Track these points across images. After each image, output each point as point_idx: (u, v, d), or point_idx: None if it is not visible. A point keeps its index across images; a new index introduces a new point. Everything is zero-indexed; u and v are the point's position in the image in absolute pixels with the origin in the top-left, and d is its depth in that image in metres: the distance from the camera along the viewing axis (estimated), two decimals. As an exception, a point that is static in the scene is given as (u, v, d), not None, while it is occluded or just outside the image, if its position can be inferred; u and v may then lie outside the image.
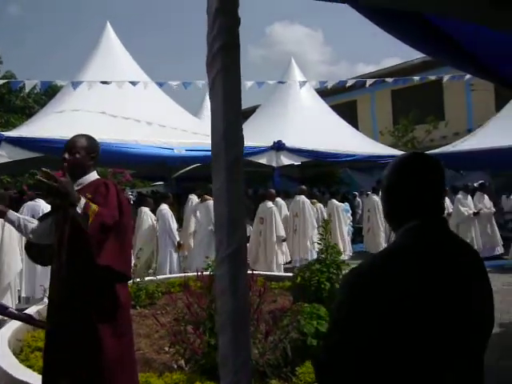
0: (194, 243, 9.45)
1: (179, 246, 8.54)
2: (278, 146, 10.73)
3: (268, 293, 6.00)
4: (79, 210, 2.43)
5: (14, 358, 3.81)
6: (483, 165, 12.41)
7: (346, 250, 11.07)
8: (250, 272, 4.01)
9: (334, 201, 11.17)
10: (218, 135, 1.10)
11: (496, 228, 10.78)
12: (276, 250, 9.17)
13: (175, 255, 8.55)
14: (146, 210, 9.02)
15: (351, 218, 12.15)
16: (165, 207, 8.49)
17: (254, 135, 11.73)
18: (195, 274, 4.83)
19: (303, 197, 9.94)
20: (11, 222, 2.84)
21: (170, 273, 8.08)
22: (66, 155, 2.73)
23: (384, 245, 11.51)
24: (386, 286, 1.17)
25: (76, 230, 2.55)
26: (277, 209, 9.50)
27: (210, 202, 8.38)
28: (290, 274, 6.29)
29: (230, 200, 1.08)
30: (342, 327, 1.20)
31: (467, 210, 10.34)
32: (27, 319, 2.62)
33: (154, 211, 8.91)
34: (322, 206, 10.80)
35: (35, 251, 2.95)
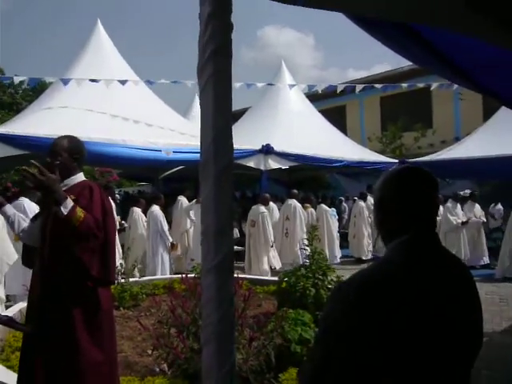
0: (191, 244, 9.47)
1: (172, 247, 8.51)
2: (267, 150, 10.72)
3: (253, 297, 6.01)
4: (64, 211, 2.40)
5: (-6, 358, 3.76)
6: (470, 173, 12.50)
7: (337, 254, 11.12)
8: (235, 276, 3.99)
9: (323, 206, 11.21)
10: (208, 142, 1.07)
11: (484, 237, 10.89)
12: (264, 255, 9.19)
13: (166, 256, 8.53)
14: (137, 210, 9.02)
15: (337, 223, 12.19)
16: (156, 208, 8.48)
17: (243, 138, 11.71)
18: (179, 276, 4.81)
19: (295, 201, 10.01)
20: (6, 216, 2.82)
21: (162, 274, 8.06)
22: (48, 159, 2.71)
23: (370, 250, 11.58)
24: (380, 303, 1.15)
25: (58, 230, 2.52)
26: (269, 214, 9.56)
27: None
28: (276, 279, 6.29)
29: (218, 209, 1.06)
30: (330, 342, 1.19)
31: (456, 218, 10.39)
32: (7, 322, 2.57)
33: (144, 212, 8.91)
34: (313, 210, 10.84)
35: (26, 256, 2.91)
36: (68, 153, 2.72)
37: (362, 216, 11.65)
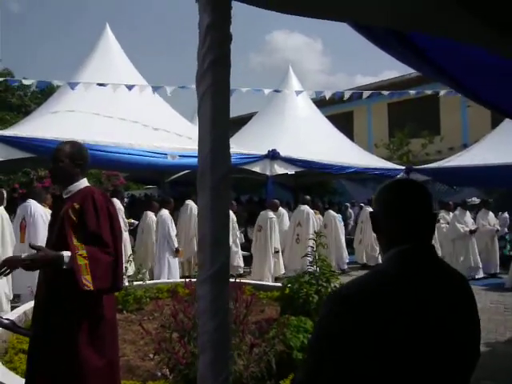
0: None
1: (177, 252, 8.53)
2: (273, 155, 10.71)
3: (256, 303, 6.00)
4: (66, 266, 2.45)
5: (-3, 359, 3.78)
6: (477, 181, 12.43)
7: (346, 260, 11.09)
8: (237, 281, 3.99)
9: (331, 211, 11.15)
10: (205, 152, 1.08)
11: (497, 246, 10.76)
12: (270, 260, 9.18)
13: (175, 261, 8.55)
14: (151, 214, 9.11)
15: (343, 228, 12.16)
16: (165, 212, 8.53)
17: (249, 143, 11.73)
18: (183, 280, 4.80)
19: (307, 207, 9.97)
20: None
21: (170, 278, 8.07)
22: (51, 164, 2.73)
23: (376, 256, 11.52)
24: (373, 312, 1.16)
25: (62, 235, 2.54)
26: (277, 220, 9.55)
27: None
28: (280, 284, 6.27)
29: (215, 219, 1.06)
30: (323, 346, 1.20)
31: (463, 226, 10.24)
32: (10, 326, 2.59)
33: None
34: (321, 217, 10.85)
35: None
36: (70, 159, 2.72)
37: (370, 222, 11.57)
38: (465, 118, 18.82)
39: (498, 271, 10.51)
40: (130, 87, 9.17)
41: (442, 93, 10.27)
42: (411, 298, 1.20)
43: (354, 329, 1.15)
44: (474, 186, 13.37)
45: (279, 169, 10.81)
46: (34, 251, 2.52)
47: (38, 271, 2.77)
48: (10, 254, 6.43)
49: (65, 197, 2.74)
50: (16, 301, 6.82)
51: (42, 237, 6.30)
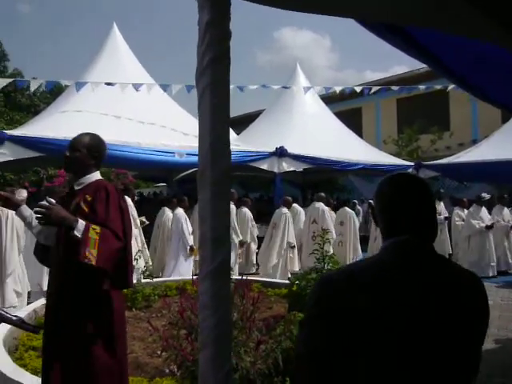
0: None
1: (191, 250, 8.59)
2: (281, 152, 10.70)
3: (264, 300, 6.01)
4: (78, 234, 2.43)
5: (8, 356, 3.82)
6: (487, 176, 12.34)
7: (358, 258, 11.05)
8: (245, 278, 3.99)
9: (347, 208, 11.02)
10: (205, 149, 1.08)
11: None
12: (286, 256, 9.22)
13: (189, 259, 8.62)
14: (168, 211, 9.24)
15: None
16: (180, 211, 8.58)
17: (257, 140, 11.72)
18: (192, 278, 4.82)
19: (322, 204, 9.87)
20: (23, 218, 2.83)
21: (181, 276, 8.12)
22: (67, 152, 2.73)
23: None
24: (357, 296, 1.19)
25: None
26: (290, 215, 9.55)
27: (232, 206, 8.56)
28: (288, 282, 6.28)
29: (215, 216, 1.07)
30: (308, 329, 1.25)
31: (479, 222, 10.07)
32: (18, 323, 2.61)
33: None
34: (333, 213, 10.85)
35: (42, 254, 2.93)
36: (87, 149, 2.72)
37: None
38: (475, 114, 18.67)
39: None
40: (137, 86, 9.20)
41: (451, 87, 10.19)
42: (399, 286, 1.22)
43: (337, 311, 1.19)
44: (484, 181, 13.26)
45: (287, 166, 10.79)
46: None
47: (47, 269, 2.79)
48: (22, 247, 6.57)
49: (76, 188, 2.74)
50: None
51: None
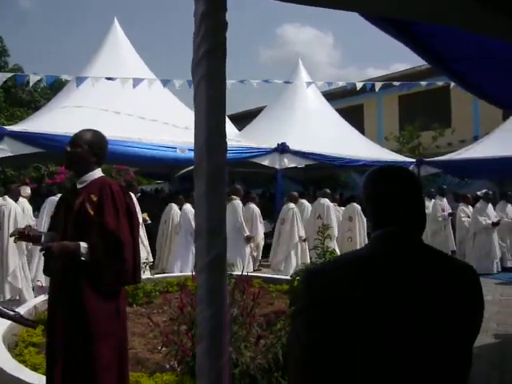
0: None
1: None
2: (282, 149, 10.71)
3: (265, 295, 6.00)
4: (84, 258, 2.45)
5: (8, 352, 3.82)
6: (488, 173, 12.33)
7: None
8: (245, 274, 4.00)
9: (355, 204, 11.02)
10: (201, 142, 1.08)
11: None
12: (297, 250, 9.29)
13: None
14: (175, 207, 9.36)
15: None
16: (188, 206, 8.60)
17: (259, 137, 11.71)
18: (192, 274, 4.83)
19: (327, 200, 9.97)
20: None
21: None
22: (68, 148, 2.70)
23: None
24: (321, 290, 1.21)
25: (78, 229, 2.54)
26: (298, 210, 9.62)
27: (236, 202, 8.73)
28: (289, 278, 6.29)
29: (211, 208, 1.06)
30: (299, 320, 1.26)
31: (485, 219, 10.05)
32: (16, 318, 2.60)
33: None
34: (340, 209, 10.89)
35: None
36: (89, 145, 2.69)
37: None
38: (476, 110, 18.59)
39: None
40: (138, 81, 9.18)
41: (453, 84, 10.15)
42: (389, 276, 1.22)
43: (333, 300, 1.19)
44: (485, 178, 13.26)
45: (288, 162, 10.80)
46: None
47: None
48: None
49: (79, 187, 2.71)
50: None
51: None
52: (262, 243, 10.09)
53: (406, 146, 18.27)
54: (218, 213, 1.08)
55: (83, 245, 2.47)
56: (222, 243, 1.08)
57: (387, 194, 1.34)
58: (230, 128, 18.56)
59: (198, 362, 1.11)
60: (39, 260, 6.84)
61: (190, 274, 6.37)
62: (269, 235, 10.61)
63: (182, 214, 8.77)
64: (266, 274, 8.49)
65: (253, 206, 9.76)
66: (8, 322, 4.37)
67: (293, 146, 10.83)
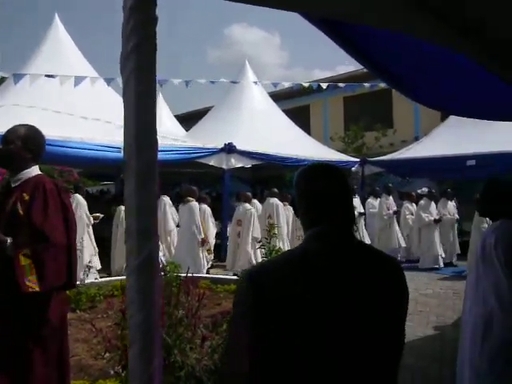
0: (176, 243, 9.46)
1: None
2: (229, 149, 10.73)
3: (213, 296, 5.97)
4: (9, 253, 2.35)
5: None
6: (428, 172, 12.83)
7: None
8: (189, 275, 3.96)
9: None
10: (130, 138, 1.04)
11: (456, 234, 11.07)
12: (251, 252, 9.29)
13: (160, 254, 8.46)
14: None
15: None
16: None
17: (206, 137, 11.66)
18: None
19: (276, 199, 10.14)
20: None
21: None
22: (1, 145, 2.57)
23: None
24: (265, 290, 1.21)
25: (10, 231, 2.42)
26: (255, 211, 9.72)
27: (192, 204, 8.63)
28: (237, 277, 6.30)
29: (141, 208, 1.03)
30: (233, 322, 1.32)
31: (428, 216, 10.50)
32: None
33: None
34: (290, 208, 10.95)
35: None
36: (22, 141, 2.55)
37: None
38: (417, 112, 19.30)
39: (456, 259, 10.81)
40: (80, 79, 8.88)
41: (394, 86, 10.45)
42: (324, 274, 1.23)
43: (266, 301, 1.20)
44: (426, 176, 13.79)
45: (235, 162, 10.84)
46: None
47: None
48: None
49: (13, 185, 2.57)
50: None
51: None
52: (213, 243, 10.07)
53: (351, 146, 18.74)
54: (149, 212, 1.05)
55: (9, 240, 2.36)
56: (153, 244, 1.05)
57: (323, 193, 1.34)
58: (176, 128, 18.41)
59: (131, 365, 1.09)
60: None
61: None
62: (217, 235, 10.57)
63: None
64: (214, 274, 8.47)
65: (204, 206, 9.74)
66: None
67: (240, 146, 10.86)
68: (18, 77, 8.56)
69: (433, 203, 10.77)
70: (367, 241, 11.38)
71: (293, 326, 1.19)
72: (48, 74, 8.63)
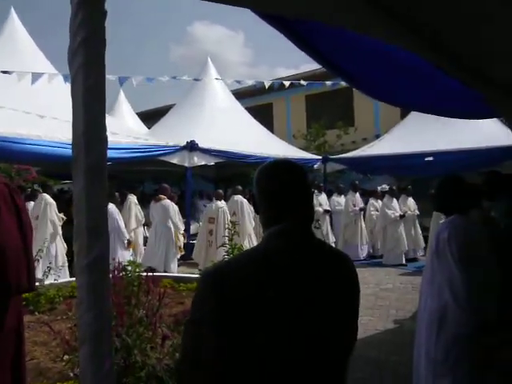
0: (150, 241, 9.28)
1: (129, 244, 8.44)
2: (191, 146, 10.65)
3: (175, 295, 5.92)
4: None
5: None
6: (388, 169, 13.07)
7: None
8: (150, 274, 3.91)
9: None
10: (78, 135, 1.02)
11: (419, 230, 11.26)
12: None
13: (126, 253, 8.35)
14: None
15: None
16: (111, 206, 8.22)
17: (168, 135, 11.54)
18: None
19: (240, 196, 10.18)
20: None
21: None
22: None
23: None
24: (230, 290, 1.20)
25: None
26: (226, 208, 9.76)
27: (165, 202, 8.64)
28: (199, 276, 6.25)
29: (91, 205, 1.01)
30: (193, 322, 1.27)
31: (393, 212, 10.68)
32: None
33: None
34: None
35: None
36: None
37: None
38: (377, 110, 19.66)
39: (421, 254, 10.94)
40: (37, 76, 8.61)
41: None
42: (285, 272, 1.24)
43: (216, 303, 1.19)
44: (386, 173, 14.05)
45: (198, 160, 10.77)
46: None
47: None
48: None
49: None
50: None
51: None
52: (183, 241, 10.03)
53: (313, 144, 18.92)
54: (99, 210, 1.02)
55: None
56: (104, 241, 1.03)
57: (285, 190, 1.33)
58: (138, 126, 18.14)
59: (81, 367, 1.06)
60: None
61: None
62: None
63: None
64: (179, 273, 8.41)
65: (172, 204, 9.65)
66: None
67: (202, 143, 10.80)
68: (-31, 73, 8.24)
69: (395, 200, 10.97)
70: (332, 238, 11.55)
71: (256, 325, 1.18)
72: (3, 70, 8.34)
